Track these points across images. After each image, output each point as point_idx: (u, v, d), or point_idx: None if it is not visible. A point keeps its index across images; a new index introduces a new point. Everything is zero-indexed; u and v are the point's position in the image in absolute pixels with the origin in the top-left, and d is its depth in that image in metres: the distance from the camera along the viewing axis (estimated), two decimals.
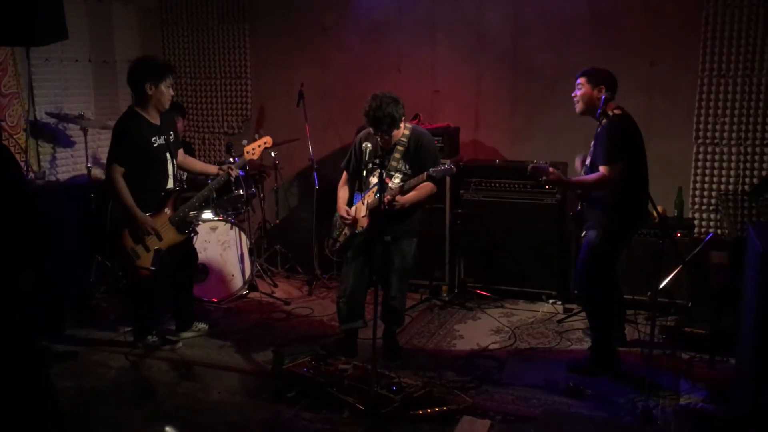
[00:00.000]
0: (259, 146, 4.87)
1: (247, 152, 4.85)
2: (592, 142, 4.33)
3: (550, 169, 4.26)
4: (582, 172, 4.38)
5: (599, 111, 4.14)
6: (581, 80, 4.29)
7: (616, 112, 4.19)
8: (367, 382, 3.84)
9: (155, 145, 4.52)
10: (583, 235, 4.45)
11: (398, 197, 4.33)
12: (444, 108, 6.24)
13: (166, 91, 4.51)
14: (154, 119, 4.56)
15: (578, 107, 4.32)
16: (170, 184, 4.67)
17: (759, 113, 5.40)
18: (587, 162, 4.34)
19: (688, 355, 4.54)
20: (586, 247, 4.30)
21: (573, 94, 4.34)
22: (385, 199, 4.22)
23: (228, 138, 6.94)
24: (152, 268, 4.53)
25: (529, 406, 3.94)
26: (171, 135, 4.65)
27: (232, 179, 4.83)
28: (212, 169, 4.95)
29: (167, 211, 4.59)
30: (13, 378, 3.13)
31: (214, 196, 5.29)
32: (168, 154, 4.61)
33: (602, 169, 4.11)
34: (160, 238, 4.56)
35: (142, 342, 4.75)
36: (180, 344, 4.80)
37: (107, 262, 5.59)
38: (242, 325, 5.24)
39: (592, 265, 4.28)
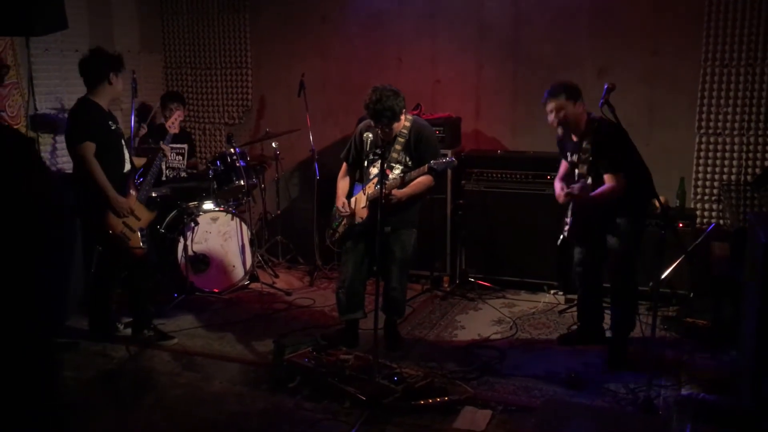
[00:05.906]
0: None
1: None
2: (570, 153, 4.35)
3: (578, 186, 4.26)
4: (576, 184, 4.30)
5: (602, 101, 4.07)
6: (555, 103, 4.17)
7: (599, 116, 4.08)
8: (369, 372, 3.86)
9: (113, 128, 4.58)
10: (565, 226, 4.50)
11: (394, 191, 4.33)
12: (445, 98, 6.22)
13: (122, 83, 4.64)
14: (106, 108, 4.62)
15: (561, 131, 4.33)
16: (126, 169, 4.73)
17: (762, 103, 5.37)
18: (583, 170, 4.23)
19: (690, 345, 4.53)
20: (623, 240, 4.23)
21: (551, 121, 4.22)
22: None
23: (228, 128, 6.92)
24: (143, 246, 4.62)
25: (531, 396, 3.94)
26: (119, 127, 4.73)
27: (168, 157, 5.01)
28: (140, 161, 5.29)
29: (132, 192, 4.66)
30: (17, 374, 3.12)
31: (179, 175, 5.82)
32: (123, 141, 4.68)
33: (611, 178, 4.09)
34: (138, 218, 4.63)
35: (138, 335, 4.74)
36: (176, 340, 4.76)
37: None
38: (243, 315, 5.24)
39: (632, 255, 4.26)
